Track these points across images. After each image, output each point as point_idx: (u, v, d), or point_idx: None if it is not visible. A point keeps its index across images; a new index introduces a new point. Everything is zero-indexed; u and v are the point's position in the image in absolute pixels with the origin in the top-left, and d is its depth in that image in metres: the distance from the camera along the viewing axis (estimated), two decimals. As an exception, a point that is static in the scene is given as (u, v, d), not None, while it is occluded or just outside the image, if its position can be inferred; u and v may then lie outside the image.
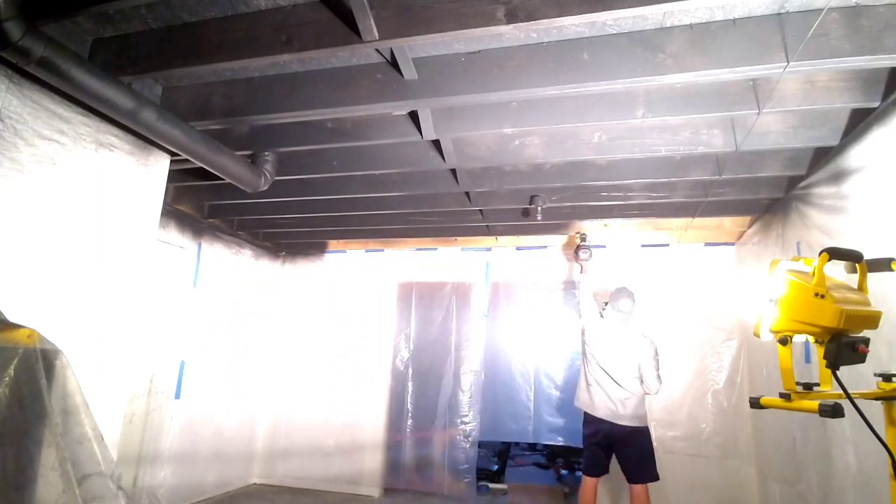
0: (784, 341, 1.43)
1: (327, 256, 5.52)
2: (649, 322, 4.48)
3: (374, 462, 4.86)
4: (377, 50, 2.20)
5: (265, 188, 3.06)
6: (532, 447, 6.39)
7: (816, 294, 1.32)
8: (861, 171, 2.39)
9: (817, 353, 1.38)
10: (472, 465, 4.82)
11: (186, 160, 2.70)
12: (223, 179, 2.92)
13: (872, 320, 1.36)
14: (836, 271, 1.51)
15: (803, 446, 3.02)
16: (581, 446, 4.23)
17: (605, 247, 4.74)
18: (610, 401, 3.48)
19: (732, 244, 4.48)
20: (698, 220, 4.02)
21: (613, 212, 3.84)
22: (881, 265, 1.46)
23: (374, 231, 4.79)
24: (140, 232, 2.62)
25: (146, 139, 2.55)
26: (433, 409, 5.10)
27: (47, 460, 1.48)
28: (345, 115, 2.61)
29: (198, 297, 4.36)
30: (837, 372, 1.30)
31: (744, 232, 4.23)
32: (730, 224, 4.31)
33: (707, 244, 4.55)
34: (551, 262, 4.95)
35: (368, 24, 1.80)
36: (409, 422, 5.11)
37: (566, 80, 2.08)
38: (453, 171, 3.23)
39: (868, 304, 1.39)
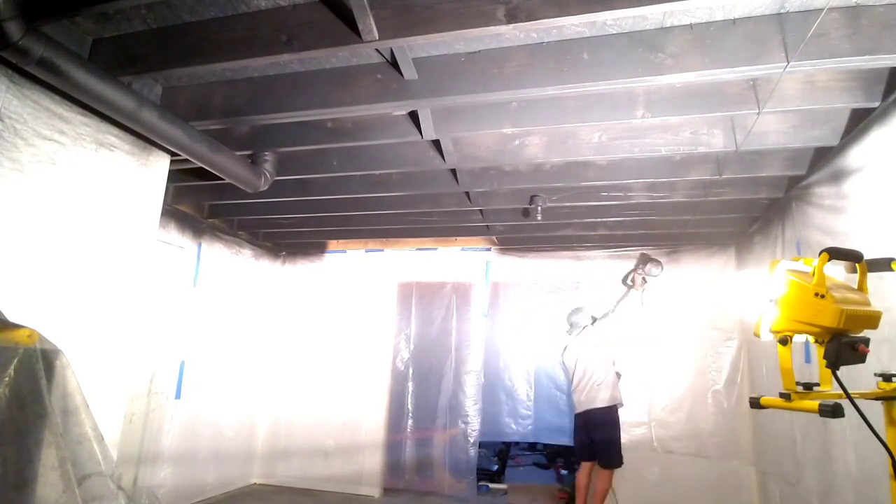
0: (784, 341, 1.43)
1: (327, 256, 5.52)
2: (649, 322, 4.49)
3: (374, 462, 4.86)
4: (377, 50, 2.20)
5: (265, 188, 3.06)
6: (532, 447, 6.39)
7: (816, 294, 1.32)
8: (861, 171, 2.39)
9: (817, 353, 1.38)
10: (472, 465, 4.82)
11: (186, 160, 2.70)
12: (223, 179, 2.92)
13: (872, 320, 1.35)
14: (836, 271, 1.51)
15: (803, 446, 3.02)
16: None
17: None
18: None
19: (732, 244, 4.48)
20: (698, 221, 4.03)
21: (613, 212, 3.84)
22: (881, 265, 1.46)
23: (374, 231, 4.79)
24: (140, 232, 2.62)
25: (146, 139, 2.54)
26: (433, 409, 5.10)
27: (47, 460, 1.48)
28: (345, 115, 2.61)
29: (198, 297, 4.36)
30: (837, 372, 1.30)
31: (744, 232, 4.23)
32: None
33: (706, 244, 4.55)
34: (552, 262, 4.95)
35: (368, 24, 1.80)
36: (410, 422, 5.11)
37: (566, 80, 2.08)
38: (453, 171, 3.23)
39: (868, 304, 1.39)
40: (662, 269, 4.06)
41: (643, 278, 4.01)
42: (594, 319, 4.19)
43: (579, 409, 4.02)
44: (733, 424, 4.16)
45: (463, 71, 2.20)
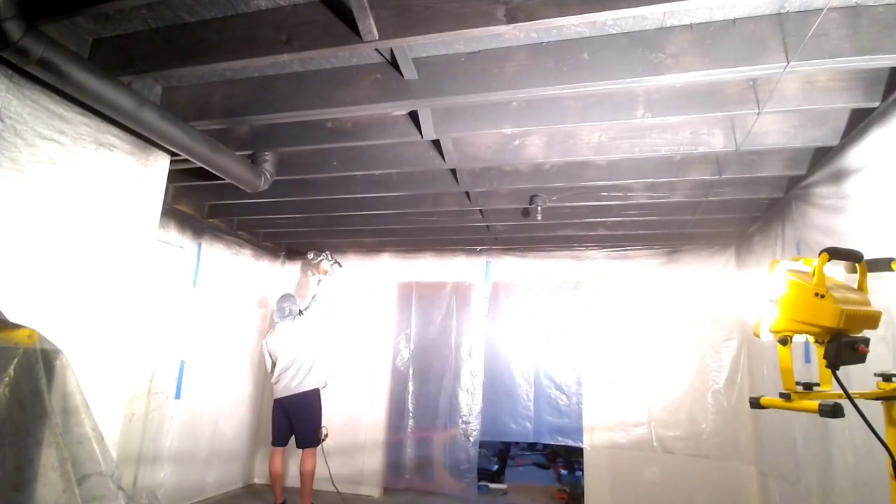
0: (784, 341, 1.43)
1: (327, 256, 5.51)
2: (650, 322, 4.49)
3: (374, 462, 4.86)
4: (377, 50, 2.20)
5: (265, 188, 3.06)
6: (532, 447, 6.39)
7: (816, 294, 1.32)
8: (861, 171, 2.39)
9: (817, 353, 1.38)
10: (472, 465, 4.82)
11: (186, 160, 2.70)
12: (223, 179, 2.92)
13: (872, 320, 1.36)
14: (836, 271, 1.51)
15: (803, 446, 3.02)
16: (582, 446, 4.21)
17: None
18: None
19: (732, 244, 4.48)
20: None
21: (613, 212, 3.84)
22: (881, 265, 1.46)
23: (374, 231, 4.79)
24: (140, 232, 2.62)
25: (146, 139, 2.54)
26: (433, 409, 5.09)
27: (47, 460, 1.48)
28: (345, 115, 2.61)
29: (198, 297, 4.36)
30: (837, 372, 1.30)
31: (744, 232, 4.23)
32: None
33: (706, 244, 4.55)
34: (552, 262, 4.95)
35: (368, 24, 1.80)
36: (410, 422, 5.10)
37: (566, 80, 2.08)
38: (453, 171, 3.23)
39: (868, 304, 1.39)
40: (313, 255, 4.75)
41: (321, 269, 4.72)
42: (300, 311, 4.50)
43: (284, 395, 4.18)
44: (733, 424, 4.16)
45: (463, 71, 2.20)
